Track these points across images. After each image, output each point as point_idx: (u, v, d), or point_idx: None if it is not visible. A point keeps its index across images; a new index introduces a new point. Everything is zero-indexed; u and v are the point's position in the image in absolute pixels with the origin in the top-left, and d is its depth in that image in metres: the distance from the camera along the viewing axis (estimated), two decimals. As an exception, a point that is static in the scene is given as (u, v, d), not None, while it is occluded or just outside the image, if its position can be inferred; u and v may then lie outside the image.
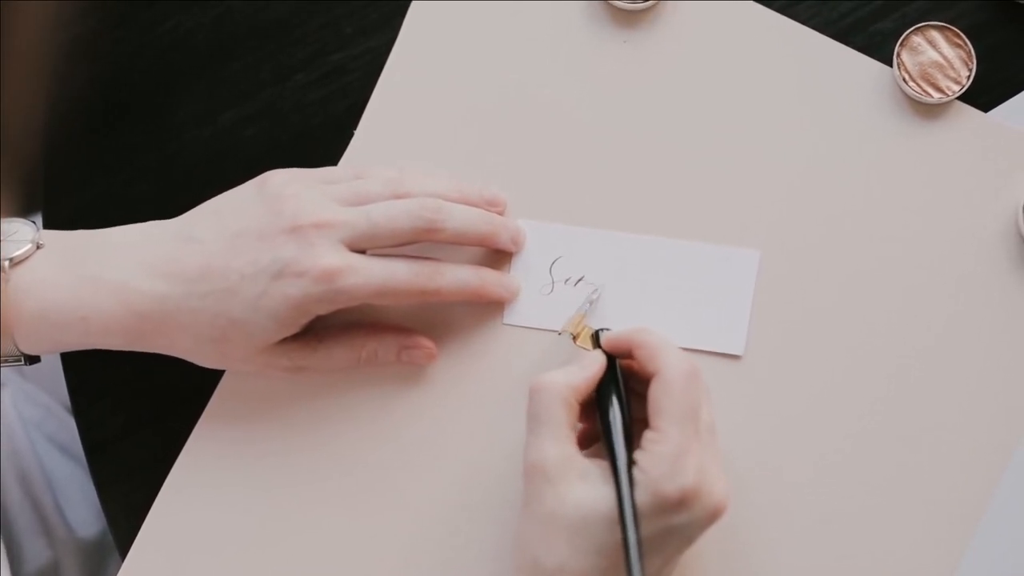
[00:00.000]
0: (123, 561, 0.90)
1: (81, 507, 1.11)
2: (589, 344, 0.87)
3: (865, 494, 0.89)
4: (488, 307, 0.90)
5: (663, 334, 0.83)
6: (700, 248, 0.90)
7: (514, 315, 0.90)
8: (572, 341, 0.88)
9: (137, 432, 0.92)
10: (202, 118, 0.95)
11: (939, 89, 0.91)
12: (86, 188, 0.95)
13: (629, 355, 0.84)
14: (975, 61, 0.91)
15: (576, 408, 0.82)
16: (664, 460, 0.78)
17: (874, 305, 0.90)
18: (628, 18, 0.93)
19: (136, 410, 0.92)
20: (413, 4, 0.94)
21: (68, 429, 1.11)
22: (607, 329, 0.87)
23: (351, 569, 0.89)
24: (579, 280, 0.90)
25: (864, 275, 0.90)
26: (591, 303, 0.89)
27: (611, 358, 0.84)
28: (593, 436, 0.85)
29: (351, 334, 0.88)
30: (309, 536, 0.90)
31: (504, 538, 0.88)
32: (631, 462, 0.79)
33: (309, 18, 0.95)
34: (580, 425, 0.85)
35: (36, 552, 1.09)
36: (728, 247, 0.90)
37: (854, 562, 0.88)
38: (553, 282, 0.90)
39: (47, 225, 0.93)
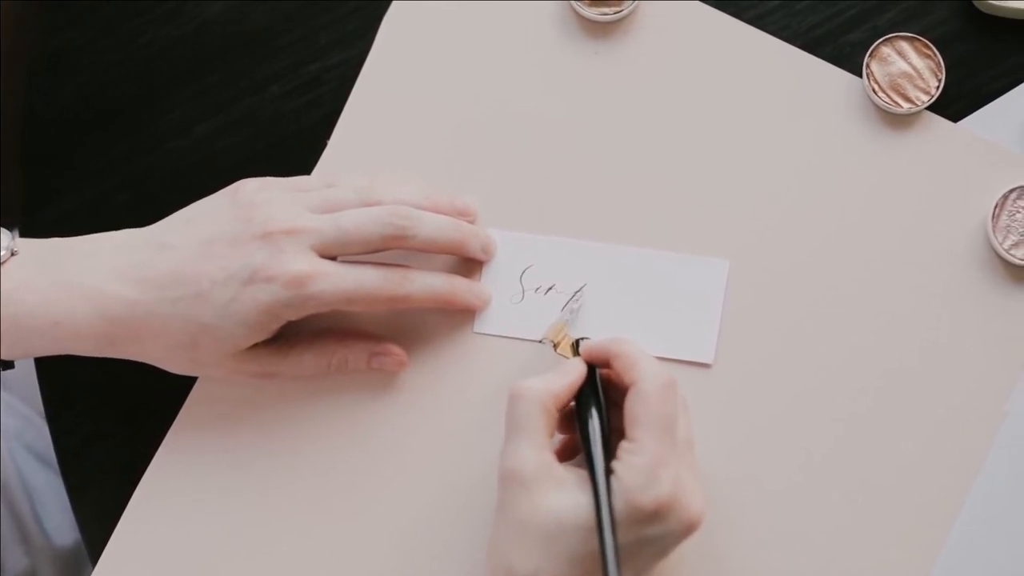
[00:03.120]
0: (94, 566, 0.91)
1: (58, 515, 1.11)
2: (569, 352, 0.87)
3: (836, 501, 0.89)
4: (459, 315, 0.91)
5: (640, 345, 0.83)
6: (670, 257, 0.91)
7: (484, 323, 0.91)
8: (552, 349, 0.88)
9: (110, 438, 0.93)
10: (180, 128, 0.95)
11: (908, 99, 0.91)
12: (65, 197, 0.95)
13: (607, 364, 0.84)
14: (944, 71, 0.91)
15: (555, 415, 0.82)
16: (639, 471, 0.78)
17: (843, 313, 0.90)
18: (599, 29, 0.93)
19: (109, 416, 0.93)
20: (387, 15, 0.95)
21: (46, 438, 1.11)
22: (587, 338, 0.87)
23: (323, 574, 0.90)
24: (549, 289, 0.91)
25: (833, 284, 0.90)
26: (572, 312, 0.90)
27: (591, 367, 0.84)
28: (574, 448, 0.85)
29: (322, 341, 0.89)
30: (279, 542, 0.90)
31: (475, 544, 0.89)
32: (609, 471, 0.79)
33: (286, 30, 0.96)
34: (560, 436, 0.85)
35: (14, 560, 1.09)
36: (698, 256, 0.91)
37: (828, 568, 0.88)
38: (524, 291, 0.91)
39: (25, 234, 0.94)
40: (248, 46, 0.96)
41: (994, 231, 0.90)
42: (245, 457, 0.91)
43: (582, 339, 0.86)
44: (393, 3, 0.95)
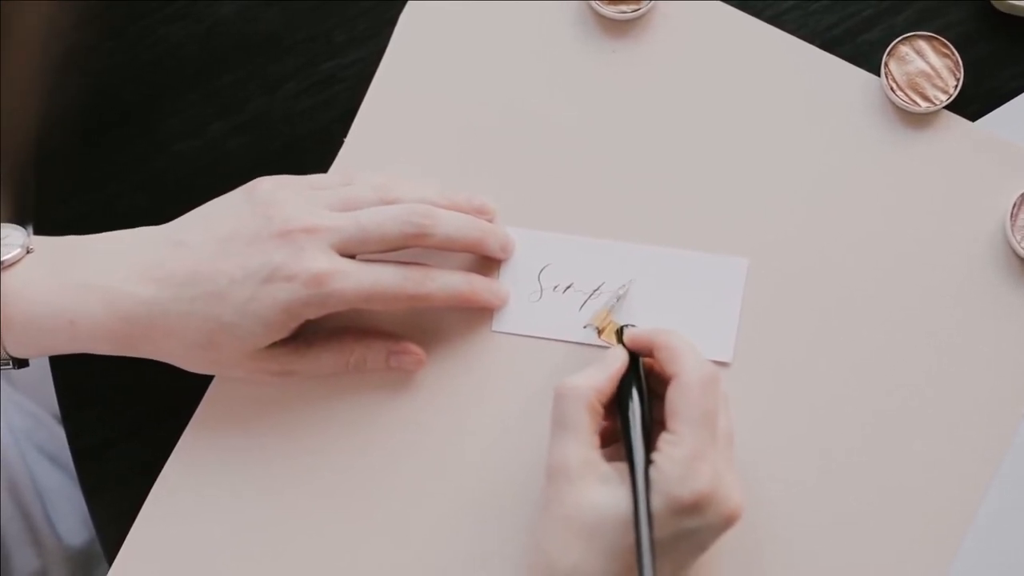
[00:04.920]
0: (110, 568, 0.90)
1: (70, 516, 1.11)
2: (613, 339, 0.87)
3: (852, 500, 0.88)
4: (477, 314, 0.90)
5: (685, 337, 0.83)
6: (689, 256, 0.91)
7: (503, 322, 0.90)
8: (597, 335, 0.88)
9: (126, 438, 0.92)
10: (192, 128, 0.95)
11: (926, 98, 0.91)
12: (77, 198, 0.95)
13: (650, 354, 0.84)
14: (962, 71, 0.91)
15: (600, 411, 0.82)
16: (678, 463, 0.78)
17: (860, 312, 0.90)
18: (617, 27, 0.93)
19: (125, 416, 0.92)
20: (403, 14, 0.95)
21: (58, 439, 1.11)
22: (632, 325, 0.87)
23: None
24: (568, 287, 0.90)
25: (851, 282, 0.90)
26: (618, 299, 0.89)
27: (634, 356, 0.84)
28: (614, 434, 0.84)
29: (340, 339, 0.88)
30: (296, 542, 0.89)
31: (494, 543, 0.88)
32: (648, 462, 0.79)
33: (299, 29, 0.96)
34: (603, 423, 0.84)
35: (25, 561, 1.09)
36: (716, 255, 0.91)
37: (842, 568, 0.88)
38: (542, 289, 0.91)
39: (39, 234, 0.93)
40: (260, 45, 0.96)
41: (1012, 230, 0.89)
42: (261, 456, 0.90)
43: (627, 326, 0.86)
44: (409, 1, 0.94)
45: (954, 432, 0.89)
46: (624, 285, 0.90)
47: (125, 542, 0.90)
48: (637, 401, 0.82)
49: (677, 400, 0.80)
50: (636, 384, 0.83)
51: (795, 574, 0.88)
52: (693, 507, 0.78)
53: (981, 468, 0.89)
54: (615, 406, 0.83)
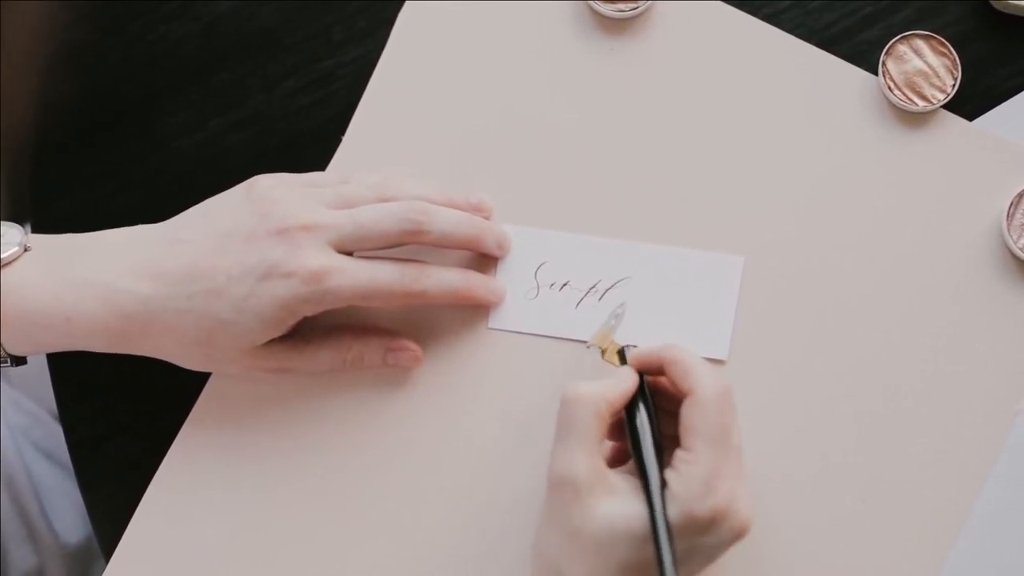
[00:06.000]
0: (107, 563, 0.90)
1: (67, 514, 1.11)
2: (615, 359, 0.86)
3: (847, 499, 0.88)
4: (473, 311, 0.91)
5: (694, 351, 0.82)
6: (685, 254, 0.91)
7: (499, 319, 0.90)
8: (600, 355, 0.87)
9: (123, 434, 0.92)
10: (191, 126, 0.95)
11: (924, 97, 0.91)
12: (75, 196, 0.95)
13: (659, 371, 0.83)
14: (960, 70, 0.91)
15: (607, 422, 0.81)
16: (697, 481, 0.78)
17: (856, 310, 0.90)
18: (614, 26, 0.93)
19: (122, 412, 0.92)
20: (402, 12, 0.95)
21: (55, 436, 1.11)
22: (634, 346, 0.86)
23: (335, 573, 0.89)
24: (564, 285, 0.90)
25: (847, 281, 0.90)
26: (616, 317, 0.89)
27: (639, 375, 0.83)
28: (623, 455, 0.84)
29: (337, 336, 0.89)
30: (292, 540, 0.89)
31: (489, 542, 0.89)
32: (663, 481, 0.79)
33: (298, 26, 0.96)
34: (609, 443, 0.84)
35: (21, 558, 1.09)
36: (712, 253, 0.91)
37: (837, 566, 0.88)
38: (538, 287, 0.91)
39: (36, 231, 0.93)
40: (259, 43, 0.96)
41: (1009, 230, 0.89)
42: (258, 453, 0.90)
43: (627, 347, 0.86)
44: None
45: (949, 431, 0.89)
46: (621, 304, 0.89)
47: (122, 539, 0.90)
48: (647, 422, 0.81)
49: (694, 416, 0.79)
50: (644, 404, 0.82)
51: (790, 572, 0.88)
52: (710, 523, 0.78)
53: (976, 467, 0.89)
54: (622, 426, 0.83)
